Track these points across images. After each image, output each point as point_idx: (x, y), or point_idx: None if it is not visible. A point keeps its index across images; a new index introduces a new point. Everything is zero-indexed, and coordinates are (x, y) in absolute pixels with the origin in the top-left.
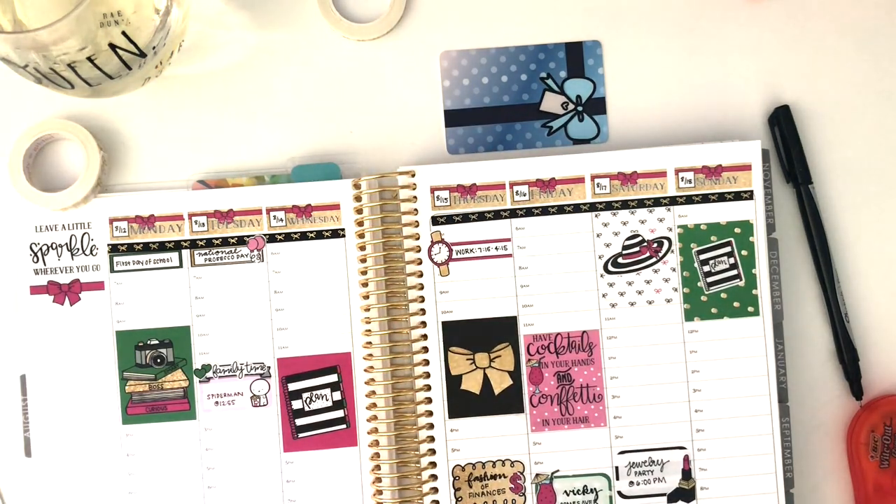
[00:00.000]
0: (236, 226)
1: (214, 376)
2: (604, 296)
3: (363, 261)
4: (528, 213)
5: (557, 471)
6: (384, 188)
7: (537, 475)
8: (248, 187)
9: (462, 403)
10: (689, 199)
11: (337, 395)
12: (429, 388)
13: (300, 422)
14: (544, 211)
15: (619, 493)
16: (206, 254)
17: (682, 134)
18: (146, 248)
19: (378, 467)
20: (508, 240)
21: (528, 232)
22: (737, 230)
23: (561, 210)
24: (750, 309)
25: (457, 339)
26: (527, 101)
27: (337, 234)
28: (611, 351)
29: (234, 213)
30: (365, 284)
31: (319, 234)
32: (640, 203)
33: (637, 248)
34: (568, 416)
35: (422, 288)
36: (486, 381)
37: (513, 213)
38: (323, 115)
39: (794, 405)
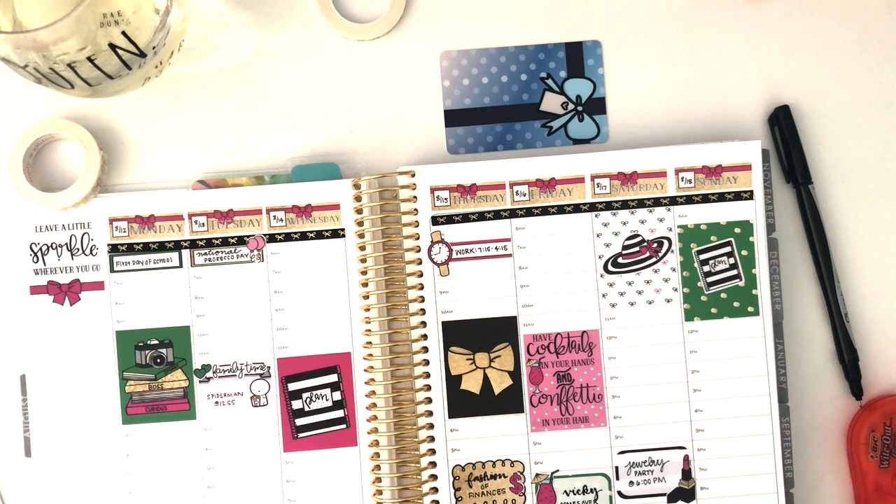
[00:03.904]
0: (236, 226)
1: (214, 376)
2: (604, 296)
3: (363, 261)
4: (528, 213)
5: (557, 471)
6: (384, 188)
7: (537, 475)
8: (248, 187)
9: (462, 403)
10: (689, 199)
11: (337, 395)
12: (429, 388)
13: (300, 422)
14: (544, 211)
15: (619, 493)
16: (206, 254)
17: (682, 134)
18: (146, 248)
19: (378, 467)
20: (508, 240)
21: (528, 232)
22: (737, 230)
23: (561, 210)
24: (750, 309)
25: (457, 339)
26: (527, 101)
27: (337, 234)
28: (611, 351)
29: (234, 213)
30: (365, 284)
31: (319, 234)
32: (640, 203)
33: (637, 248)
34: (568, 416)
35: (422, 288)
36: (486, 381)
37: (513, 213)
38: (323, 115)
39: (794, 405)
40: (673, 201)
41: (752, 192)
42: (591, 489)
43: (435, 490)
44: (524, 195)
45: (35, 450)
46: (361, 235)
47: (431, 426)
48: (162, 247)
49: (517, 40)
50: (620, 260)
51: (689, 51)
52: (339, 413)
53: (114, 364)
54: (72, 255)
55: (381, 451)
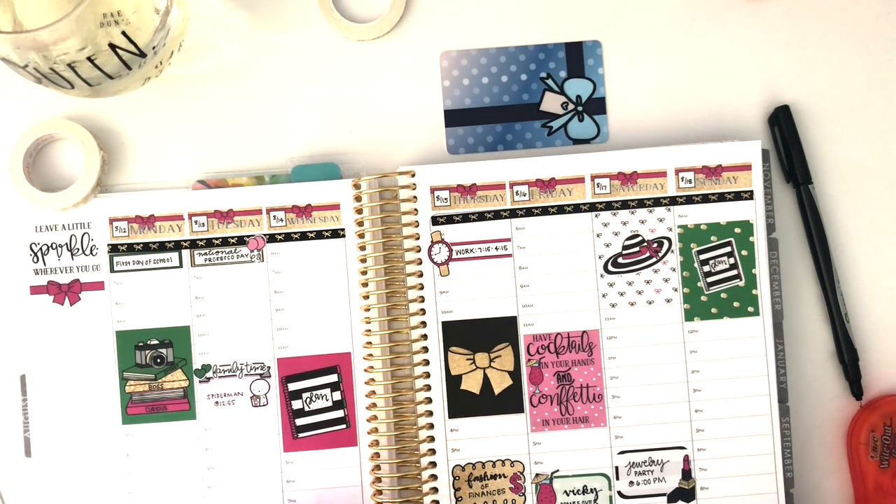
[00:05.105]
0: (236, 226)
1: (214, 376)
2: (604, 296)
3: (363, 261)
4: (528, 213)
5: (557, 471)
6: (384, 188)
7: (537, 475)
8: (248, 187)
9: (462, 403)
10: (689, 199)
11: (337, 395)
12: (429, 388)
13: (300, 422)
14: (544, 211)
15: (619, 493)
16: (206, 254)
17: (682, 134)
18: (146, 248)
19: (378, 467)
20: (508, 240)
21: (528, 232)
22: (737, 230)
23: (561, 210)
24: (750, 309)
25: (457, 339)
26: (527, 101)
27: (337, 234)
28: (611, 351)
29: (234, 213)
30: (365, 284)
31: (319, 234)
32: (640, 203)
33: (637, 248)
34: (568, 416)
35: (422, 288)
36: (486, 381)
37: (513, 213)
38: (323, 115)
39: (794, 405)
40: (673, 201)
41: (752, 192)
42: (591, 489)
43: (435, 490)
44: (524, 195)
45: (35, 450)
46: (361, 235)
47: (431, 426)
48: (162, 247)
49: (517, 40)
50: (620, 260)
51: (689, 50)
52: (339, 413)
53: (114, 364)
54: (72, 255)
55: (381, 451)
